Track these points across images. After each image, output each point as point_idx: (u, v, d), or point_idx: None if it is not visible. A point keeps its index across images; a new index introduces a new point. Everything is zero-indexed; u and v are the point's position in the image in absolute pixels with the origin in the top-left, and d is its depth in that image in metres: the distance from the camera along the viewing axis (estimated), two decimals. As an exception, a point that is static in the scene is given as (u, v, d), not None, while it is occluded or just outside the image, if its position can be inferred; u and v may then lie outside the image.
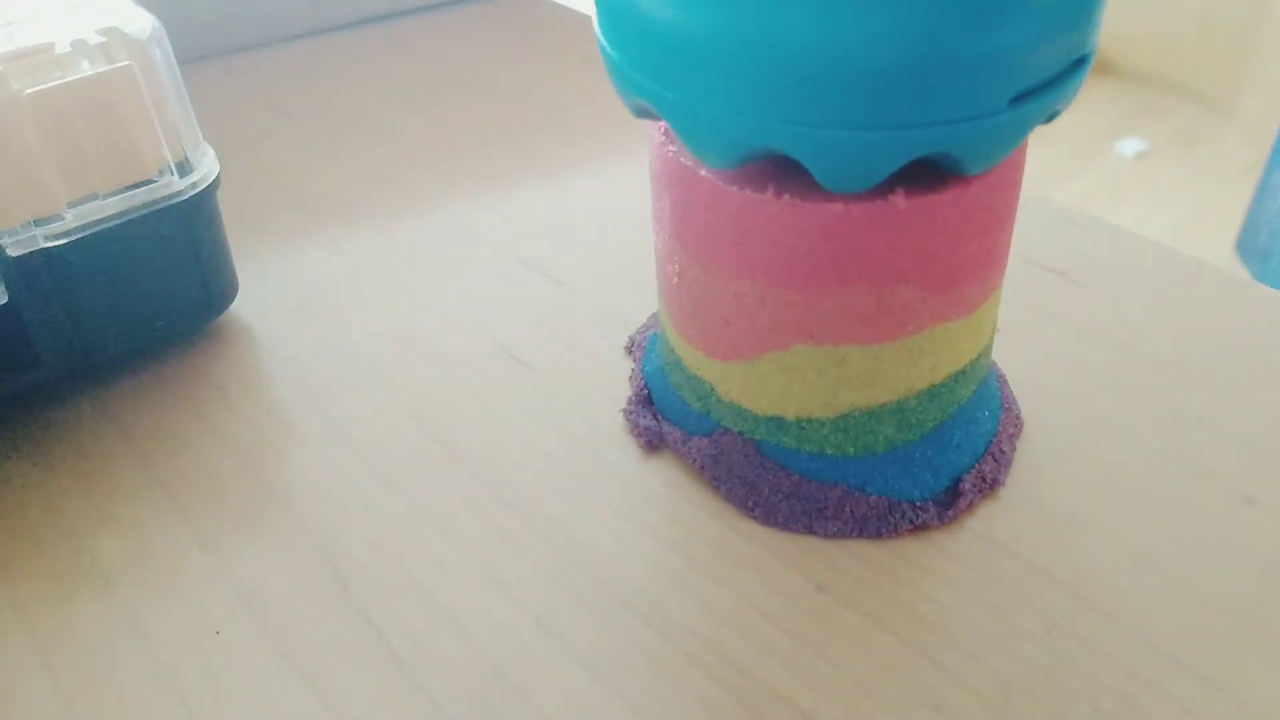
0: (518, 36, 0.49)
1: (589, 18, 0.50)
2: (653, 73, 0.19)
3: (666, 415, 0.26)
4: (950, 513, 0.23)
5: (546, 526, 0.23)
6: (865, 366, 0.22)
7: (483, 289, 0.31)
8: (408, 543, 0.23)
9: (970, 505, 0.24)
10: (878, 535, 0.23)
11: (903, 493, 0.23)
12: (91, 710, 0.20)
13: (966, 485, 0.24)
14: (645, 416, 0.26)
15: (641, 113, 0.21)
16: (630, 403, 0.27)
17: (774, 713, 0.19)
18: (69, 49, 0.24)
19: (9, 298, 0.24)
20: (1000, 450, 0.25)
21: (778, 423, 0.23)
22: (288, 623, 0.21)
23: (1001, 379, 0.27)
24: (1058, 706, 0.19)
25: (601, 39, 0.21)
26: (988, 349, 0.24)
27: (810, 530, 0.23)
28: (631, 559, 0.22)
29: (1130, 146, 1.59)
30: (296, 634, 0.21)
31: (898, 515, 0.23)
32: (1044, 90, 0.18)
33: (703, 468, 0.25)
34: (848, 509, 0.23)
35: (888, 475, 0.24)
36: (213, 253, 0.28)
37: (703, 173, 0.21)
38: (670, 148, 0.22)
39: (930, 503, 0.23)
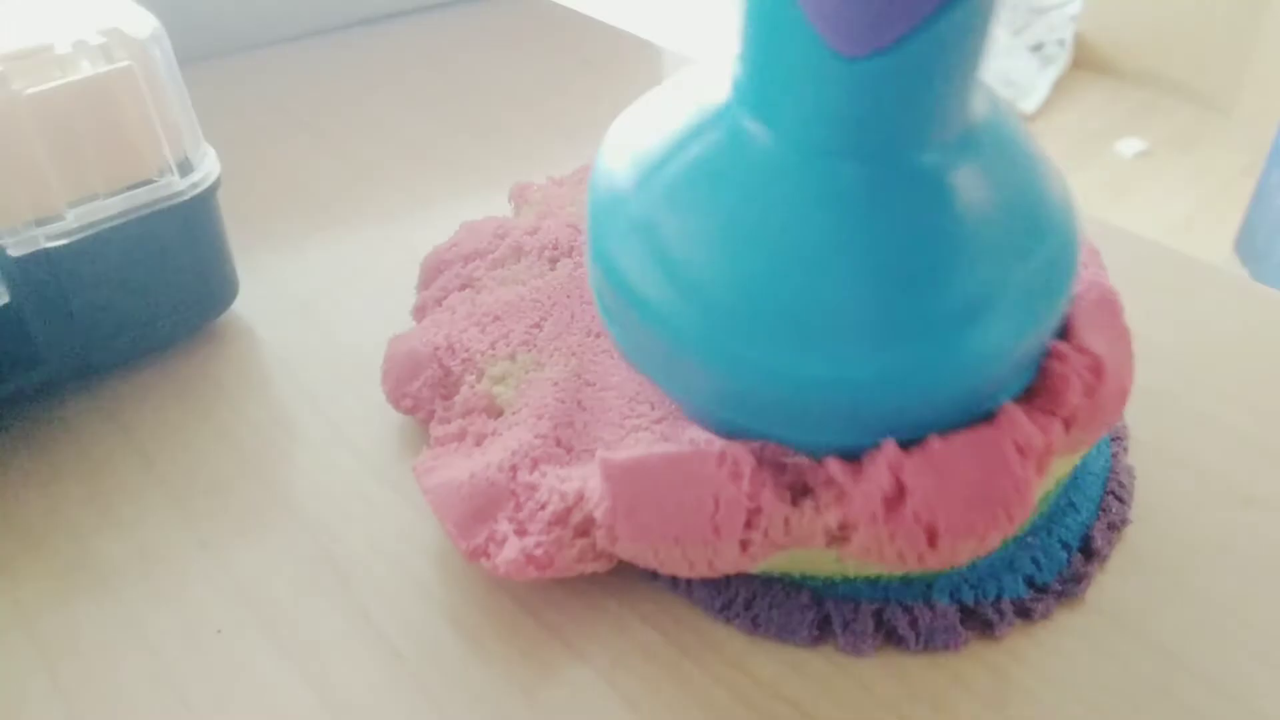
0: (518, 36, 0.49)
1: (589, 18, 0.50)
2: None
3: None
4: (1080, 587, 0.20)
5: (547, 526, 0.23)
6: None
7: (483, 289, 0.31)
8: (409, 542, 0.23)
9: (1104, 561, 0.20)
10: (948, 648, 0.19)
11: (998, 592, 0.20)
12: (92, 710, 0.20)
13: (1098, 541, 0.21)
14: None
15: None
16: None
17: (774, 712, 0.19)
18: (69, 49, 0.24)
19: (10, 298, 0.24)
20: (1119, 483, 0.22)
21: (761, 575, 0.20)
22: (289, 622, 0.21)
23: None
24: (1058, 706, 0.19)
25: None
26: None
27: (827, 641, 0.20)
28: (632, 558, 0.22)
29: (1129, 146, 1.59)
30: (298, 633, 0.21)
31: (990, 616, 0.19)
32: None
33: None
34: (900, 626, 0.20)
35: (968, 581, 0.20)
36: (213, 253, 0.28)
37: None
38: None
39: (1053, 584, 0.20)
